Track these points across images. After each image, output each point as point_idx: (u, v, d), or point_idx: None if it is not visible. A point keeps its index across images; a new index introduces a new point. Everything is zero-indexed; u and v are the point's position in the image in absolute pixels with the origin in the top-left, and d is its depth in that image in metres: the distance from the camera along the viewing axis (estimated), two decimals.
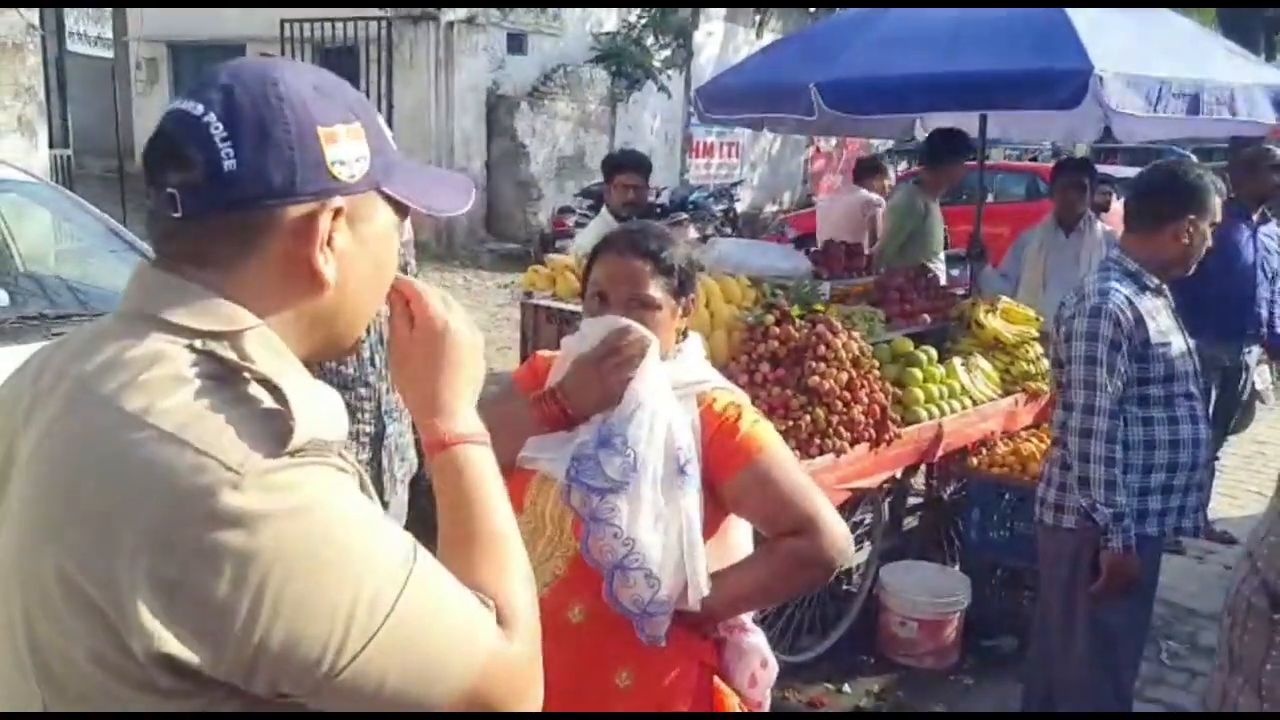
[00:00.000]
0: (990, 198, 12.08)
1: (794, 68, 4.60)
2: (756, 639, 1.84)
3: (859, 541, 3.92)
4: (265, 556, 0.80)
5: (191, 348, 0.87)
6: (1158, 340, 2.71)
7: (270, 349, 0.91)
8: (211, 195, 0.88)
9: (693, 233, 9.60)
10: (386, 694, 0.87)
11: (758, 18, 17.45)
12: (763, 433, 1.76)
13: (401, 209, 1.00)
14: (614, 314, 1.74)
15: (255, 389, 0.87)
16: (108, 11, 11.14)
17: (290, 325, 0.94)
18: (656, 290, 1.76)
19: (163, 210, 0.91)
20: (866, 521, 3.98)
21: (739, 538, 1.85)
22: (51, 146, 9.69)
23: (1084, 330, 2.68)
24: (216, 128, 0.88)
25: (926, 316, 4.35)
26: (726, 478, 1.72)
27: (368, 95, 11.65)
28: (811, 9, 16.30)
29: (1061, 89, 3.76)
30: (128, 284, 0.95)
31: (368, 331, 2.74)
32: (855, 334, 3.60)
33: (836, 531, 1.71)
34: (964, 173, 5.52)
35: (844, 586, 4.06)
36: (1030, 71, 3.90)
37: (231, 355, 0.88)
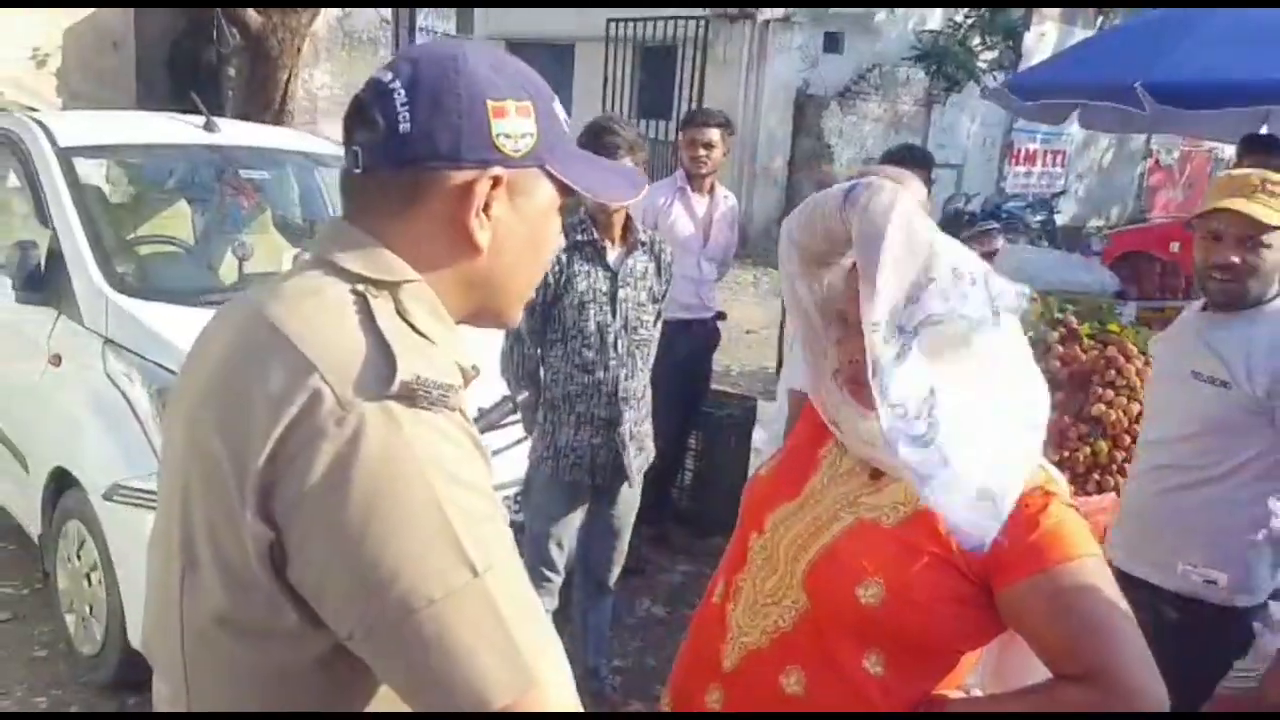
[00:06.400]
0: None
1: (1114, 67, 4.22)
2: None
3: None
4: (355, 482, 0.84)
5: (353, 290, 0.93)
6: None
7: (424, 303, 0.97)
8: (386, 153, 0.96)
9: (1001, 243, 9.04)
10: (401, 680, 0.88)
11: (1099, 19, 16.11)
12: (1070, 535, 1.31)
13: (565, 190, 1.04)
14: None
15: (393, 334, 0.91)
16: (453, 10, 12.20)
17: (445, 284, 1.00)
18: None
19: (349, 166, 0.99)
20: None
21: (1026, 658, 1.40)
22: None
23: None
24: (399, 93, 0.96)
25: None
26: (1007, 584, 1.30)
27: (682, 92, 12.08)
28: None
29: None
30: (317, 232, 1.06)
31: (612, 315, 2.83)
32: None
33: (1139, 691, 1.24)
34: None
35: None
36: None
37: (385, 303, 0.93)
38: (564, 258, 2.82)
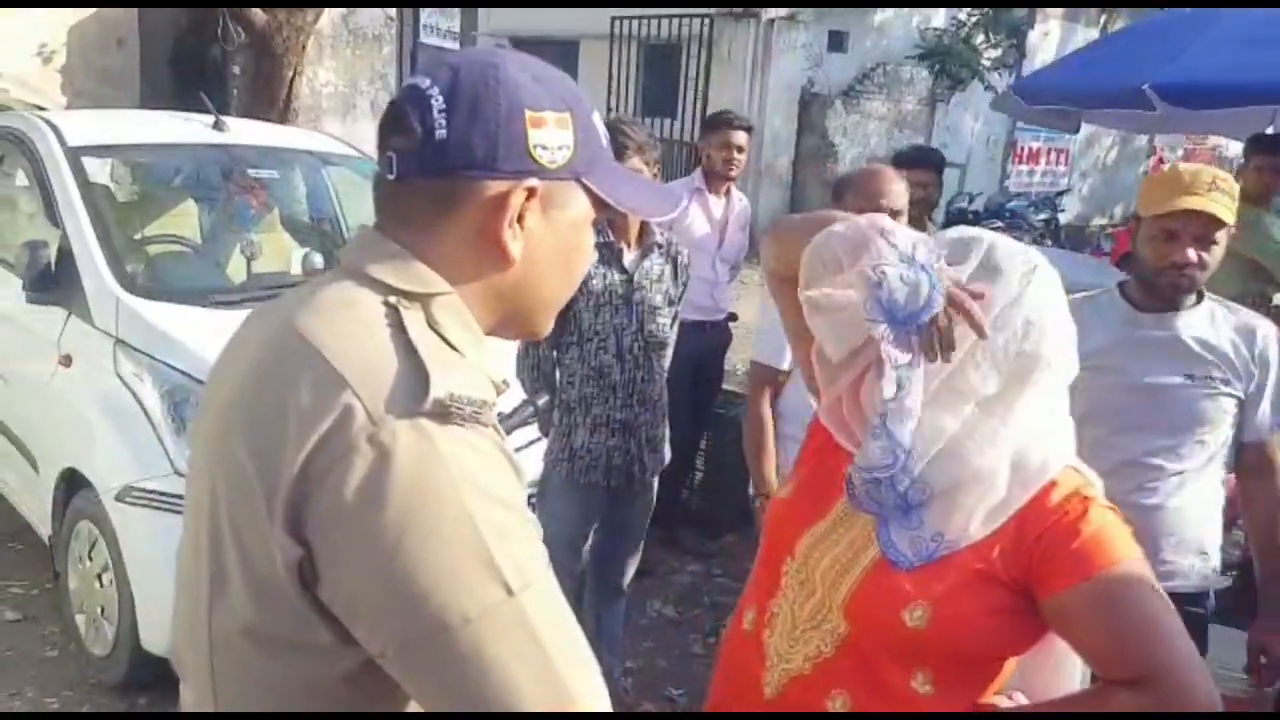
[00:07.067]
0: None
1: (1121, 70, 4.23)
2: None
3: None
4: (388, 500, 0.83)
5: (385, 302, 0.93)
6: None
7: (456, 315, 0.96)
8: (422, 160, 0.94)
9: None
10: (434, 697, 0.87)
11: (1103, 18, 16.09)
12: (1111, 540, 1.30)
13: (600, 204, 1.03)
14: None
15: (426, 349, 0.90)
16: (458, 8, 12.20)
17: (475, 295, 0.99)
18: None
19: (382, 172, 0.98)
20: None
21: (1068, 664, 1.41)
22: None
23: None
24: (437, 100, 0.94)
25: None
26: (1051, 592, 1.29)
27: (686, 91, 12.05)
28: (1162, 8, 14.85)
29: None
30: (349, 241, 1.03)
31: (628, 318, 2.81)
32: None
33: (1191, 690, 1.24)
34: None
35: None
36: None
37: (416, 315, 0.92)
38: None
